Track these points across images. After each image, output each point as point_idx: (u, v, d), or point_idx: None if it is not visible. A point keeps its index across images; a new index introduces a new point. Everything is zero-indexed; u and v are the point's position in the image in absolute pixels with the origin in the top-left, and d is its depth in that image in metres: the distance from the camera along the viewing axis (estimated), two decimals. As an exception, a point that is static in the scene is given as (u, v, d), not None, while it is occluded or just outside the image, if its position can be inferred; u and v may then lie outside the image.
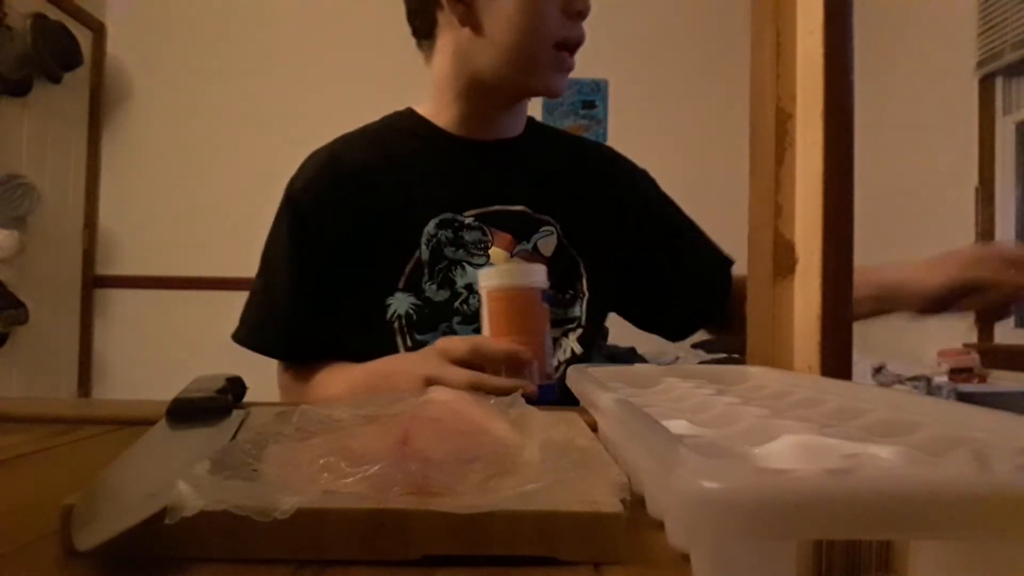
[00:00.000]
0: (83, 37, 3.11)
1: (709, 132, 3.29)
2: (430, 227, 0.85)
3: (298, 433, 0.39)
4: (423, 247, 0.84)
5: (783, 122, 0.64)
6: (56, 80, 2.97)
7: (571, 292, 0.90)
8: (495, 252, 0.86)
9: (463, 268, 0.85)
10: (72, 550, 0.27)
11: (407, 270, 0.84)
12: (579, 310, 0.90)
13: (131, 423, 0.53)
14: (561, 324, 0.89)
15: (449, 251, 0.85)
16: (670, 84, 3.38)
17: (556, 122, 3.31)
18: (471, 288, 0.84)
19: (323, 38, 3.30)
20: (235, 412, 0.49)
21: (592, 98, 3.37)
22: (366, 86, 3.11)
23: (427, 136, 0.90)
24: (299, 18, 3.30)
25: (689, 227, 1.02)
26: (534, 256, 0.87)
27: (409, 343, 0.84)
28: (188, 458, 0.34)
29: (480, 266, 0.85)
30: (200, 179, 3.29)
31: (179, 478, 0.28)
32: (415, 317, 0.84)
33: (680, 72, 3.37)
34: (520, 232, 0.87)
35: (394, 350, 0.84)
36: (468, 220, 0.85)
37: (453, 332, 0.84)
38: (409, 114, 0.93)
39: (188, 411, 0.48)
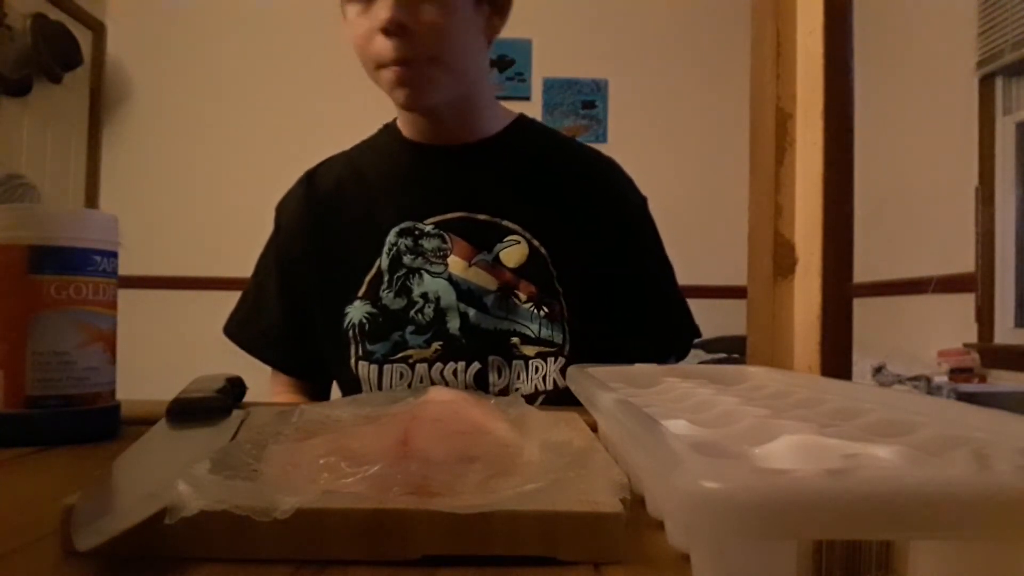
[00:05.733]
0: (83, 37, 3.11)
1: (709, 132, 3.29)
2: (391, 236, 0.84)
3: (298, 433, 0.39)
4: (383, 256, 0.84)
5: (783, 122, 0.64)
6: (56, 80, 2.97)
7: (545, 310, 0.83)
8: (453, 261, 0.83)
9: (420, 276, 0.83)
10: (72, 550, 0.27)
11: (367, 279, 0.84)
12: (561, 336, 0.83)
13: (131, 423, 0.53)
14: (533, 343, 0.83)
15: (408, 259, 0.83)
16: (670, 84, 3.38)
17: (556, 122, 3.31)
18: (427, 297, 0.83)
19: (324, 37, 3.29)
20: (235, 412, 0.49)
21: (592, 98, 3.37)
22: (368, 86, 3.11)
23: (393, 147, 0.90)
24: (300, 17, 3.30)
25: (660, 282, 0.93)
26: (494, 267, 0.83)
27: (360, 352, 0.83)
28: (188, 458, 0.33)
29: (438, 275, 0.83)
30: (200, 179, 3.29)
31: (179, 478, 0.28)
32: (368, 326, 0.83)
33: (680, 72, 3.37)
34: (482, 241, 0.83)
35: (348, 360, 0.84)
36: (428, 228, 0.84)
37: (405, 342, 0.82)
38: (388, 127, 0.93)
39: (188, 411, 0.48)
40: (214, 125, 3.29)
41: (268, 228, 0.94)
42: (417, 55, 0.76)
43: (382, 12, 0.74)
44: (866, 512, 0.20)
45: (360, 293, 0.84)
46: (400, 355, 0.82)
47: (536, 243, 0.84)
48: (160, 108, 3.32)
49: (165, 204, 3.26)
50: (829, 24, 0.59)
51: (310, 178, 0.92)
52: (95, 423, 0.51)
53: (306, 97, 3.27)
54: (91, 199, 3.25)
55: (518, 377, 0.83)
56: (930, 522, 0.20)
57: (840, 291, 0.59)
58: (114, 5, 3.31)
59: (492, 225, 0.84)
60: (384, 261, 0.84)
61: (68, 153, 3.15)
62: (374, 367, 0.83)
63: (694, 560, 0.24)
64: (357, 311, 0.84)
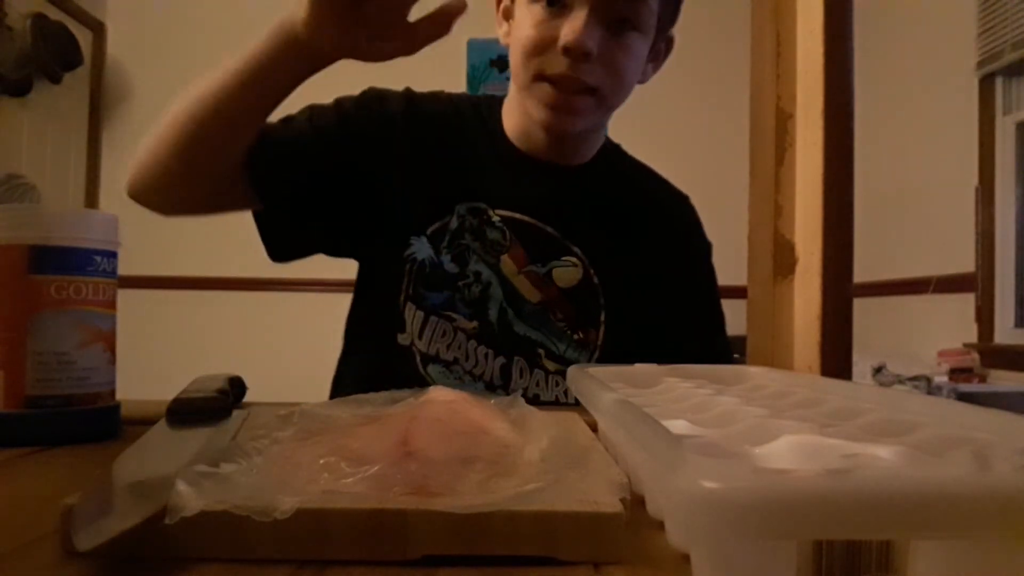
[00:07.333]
0: (83, 37, 3.11)
1: (709, 132, 3.29)
2: (461, 208, 0.84)
3: (298, 433, 0.39)
4: (454, 217, 0.83)
5: (783, 122, 0.64)
6: (56, 80, 2.97)
7: (580, 335, 0.84)
8: (505, 261, 0.84)
9: (478, 257, 0.84)
10: (72, 550, 0.27)
11: (435, 225, 0.84)
12: (586, 362, 0.85)
13: (131, 423, 0.53)
14: (556, 360, 0.84)
15: (468, 238, 0.84)
16: (670, 84, 3.36)
17: (556, 122, 3.30)
18: (479, 277, 0.83)
19: (323, 38, 3.29)
20: (235, 412, 0.49)
21: (592, 98, 3.37)
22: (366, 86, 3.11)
23: (492, 130, 0.88)
24: (299, 18, 3.30)
25: (707, 329, 0.93)
26: (543, 281, 0.84)
27: (411, 292, 0.83)
28: (188, 458, 0.33)
29: (492, 265, 0.84)
30: (200, 179, 3.29)
31: (179, 478, 0.28)
32: (428, 270, 0.83)
33: (680, 72, 3.35)
34: (539, 253, 0.84)
35: (396, 285, 0.83)
36: (495, 218, 0.84)
37: (453, 305, 0.83)
38: (494, 104, 0.91)
39: (188, 411, 0.48)
40: (214, 125, 3.29)
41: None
42: (586, 83, 0.76)
43: (572, 33, 0.72)
44: (866, 512, 0.20)
45: (428, 232, 0.83)
46: (447, 313, 0.83)
47: (592, 272, 0.85)
48: (160, 108, 3.29)
49: (165, 204, 3.26)
50: (829, 24, 0.59)
51: (411, 98, 0.89)
52: (95, 423, 0.51)
53: (305, 97, 3.26)
54: (91, 199, 3.26)
55: (536, 384, 0.84)
56: (930, 522, 0.20)
57: (840, 291, 0.59)
58: (114, 5, 3.31)
59: (555, 240, 0.85)
60: (454, 222, 0.83)
61: (68, 153, 3.16)
62: (420, 314, 0.82)
63: (694, 560, 0.24)
64: (424, 249, 0.83)
